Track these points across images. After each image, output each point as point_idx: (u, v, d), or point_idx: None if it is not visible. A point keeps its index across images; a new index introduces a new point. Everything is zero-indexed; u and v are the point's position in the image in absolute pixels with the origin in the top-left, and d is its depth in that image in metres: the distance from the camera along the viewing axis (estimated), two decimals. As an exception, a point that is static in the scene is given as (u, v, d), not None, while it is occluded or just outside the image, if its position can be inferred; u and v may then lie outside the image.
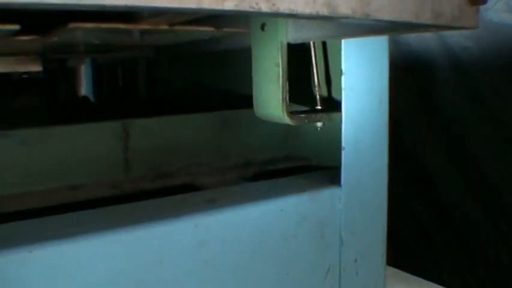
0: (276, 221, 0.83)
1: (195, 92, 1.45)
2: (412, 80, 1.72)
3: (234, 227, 0.79)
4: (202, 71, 1.43)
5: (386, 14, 0.52)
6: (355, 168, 0.91)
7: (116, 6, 0.36)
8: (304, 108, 0.97)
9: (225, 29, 0.56)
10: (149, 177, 0.97)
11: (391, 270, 1.71)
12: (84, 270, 0.66)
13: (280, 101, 0.87)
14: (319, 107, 0.95)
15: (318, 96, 0.95)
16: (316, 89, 0.95)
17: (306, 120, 0.90)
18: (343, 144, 0.89)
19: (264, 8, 0.43)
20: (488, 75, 1.49)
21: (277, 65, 0.85)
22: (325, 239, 0.89)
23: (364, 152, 0.92)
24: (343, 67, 0.87)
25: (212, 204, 0.80)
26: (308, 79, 0.98)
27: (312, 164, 1.10)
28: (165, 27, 0.51)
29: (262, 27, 0.86)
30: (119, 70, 1.83)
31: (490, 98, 1.49)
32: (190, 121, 1.05)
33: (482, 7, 1.58)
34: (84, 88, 1.95)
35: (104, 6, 0.36)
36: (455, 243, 1.62)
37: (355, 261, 0.94)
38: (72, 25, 0.49)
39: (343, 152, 0.89)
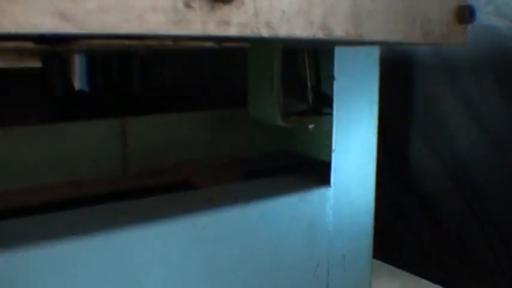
0: (268, 219, 0.86)
1: (188, 88, 1.48)
2: (397, 80, 1.75)
3: (229, 225, 0.82)
4: (197, 67, 1.46)
5: (378, 35, 0.55)
6: (344, 169, 0.95)
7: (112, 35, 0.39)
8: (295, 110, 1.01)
9: (226, 44, 0.59)
10: (146, 174, 1.00)
11: (378, 263, 1.75)
12: (85, 268, 0.70)
13: (275, 103, 0.90)
14: (311, 109, 0.99)
15: (310, 99, 0.98)
16: (309, 92, 0.98)
17: (298, 123, 0.94)
18: (333, 146, 0.92)
19: (265, 33, 0.46)
20: (476, 78, 1.53)
21: (272, 68, 0.89)
22: (314, 236, 0.93)
23: (354, 154, 0.96)
24: (335, 73, 0.90)
25: (208, 203, 0.84)
26: (296, 81, 1.02)
27: (304, 161, 1.14)
28: (169, 43, 0.54)
29: (258, 32, 0.90)
30: (114, 62, 1.84)
31: (478, 101, 1.52)
32: (185, 119, 1.08)
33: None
34: (79, 80, 1.96)
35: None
36: (440, 238, 1.66)
37: (343, 257, 0.98)
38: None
39: (333, 154, 0.93)
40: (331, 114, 0.92)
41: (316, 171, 1.00)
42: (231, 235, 0.83)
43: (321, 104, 1.00)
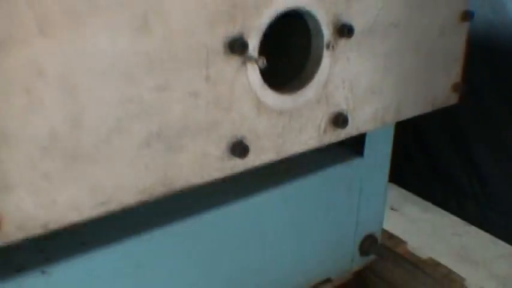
0: (328, 179, 1.34)
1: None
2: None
3: (307, 183, 1.30)
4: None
5: (407, 115, 1.02)
6: (373, 145, 1.42)
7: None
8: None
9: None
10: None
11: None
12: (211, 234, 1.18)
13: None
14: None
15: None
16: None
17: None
18: (367, 130, 1.39)
19: (354, 132, 0.93)
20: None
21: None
22: (351, 189, 1.42)
23: (379, 135, 1.43)
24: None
25: (290, 172, 1.31)
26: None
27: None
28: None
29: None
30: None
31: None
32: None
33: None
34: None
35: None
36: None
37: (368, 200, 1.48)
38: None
39: (367, 135, 1.40)
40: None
41: (352, 146, 1.45)
42: (308, 190, 1.30)
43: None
